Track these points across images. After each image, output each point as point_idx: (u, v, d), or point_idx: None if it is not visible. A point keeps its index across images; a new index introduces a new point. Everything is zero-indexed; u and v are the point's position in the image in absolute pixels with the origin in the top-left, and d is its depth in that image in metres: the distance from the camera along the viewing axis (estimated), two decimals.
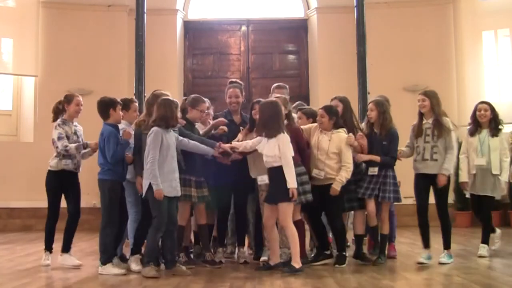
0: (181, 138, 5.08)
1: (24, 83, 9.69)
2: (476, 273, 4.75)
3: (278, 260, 5.09)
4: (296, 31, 10.36)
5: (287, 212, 4.93)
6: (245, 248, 5.82)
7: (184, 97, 5.50)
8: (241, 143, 5.26)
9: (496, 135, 5.80)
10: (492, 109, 5.87)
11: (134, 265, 5.04)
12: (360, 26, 7.31)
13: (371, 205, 5.34)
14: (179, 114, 5.05)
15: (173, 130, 5.03)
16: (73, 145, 5.32)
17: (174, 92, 9.09)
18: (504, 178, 5.83)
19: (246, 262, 5.52)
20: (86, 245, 7.06)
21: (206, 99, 5.70)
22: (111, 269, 4.91)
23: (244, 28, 10.36)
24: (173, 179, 4.88)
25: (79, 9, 9.55)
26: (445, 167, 5.26)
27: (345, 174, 5.19)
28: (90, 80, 9.28)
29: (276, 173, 4.97)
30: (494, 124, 5.83)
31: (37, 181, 9.24)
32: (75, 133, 5.48)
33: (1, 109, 9.63)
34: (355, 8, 7.40)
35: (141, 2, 7.03)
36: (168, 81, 8.96)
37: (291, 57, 10.40)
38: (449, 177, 5.37)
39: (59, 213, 5.47)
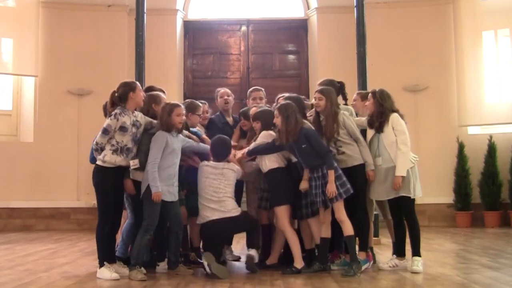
0: (188, 139, 5.09)
1: (24, 83, 9.70)
2: (476, 273, 4.75)
3: (275, 261, 5.18)
4: (296, 31, 10.36)
5: (282, 215, 4.96)
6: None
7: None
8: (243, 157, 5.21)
9: None
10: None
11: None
12: (360, 26, 7.30)
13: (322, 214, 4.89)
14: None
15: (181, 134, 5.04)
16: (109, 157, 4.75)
17: (174, 92, 9.12)
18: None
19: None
20: (86, 245, 7.06)
21: (204, 102, 5.80)
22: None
23: (244, 28, 10.36)
24: (171, 184, 4.84)
25: (79, 9, 9.56)
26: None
27: None
28: (90, 80, 9.29)
29: (273, 176, 5.02)
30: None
31: (37, 181, 9.35)
32: (134, 124, 4.84)
33: (1, 109, 9.63)
34: (355, 8, 7.39)
35: (141, 2, 7.02)
36: (168, 81, 8.96)
37: (291, 57, 10.40)
38: None
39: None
